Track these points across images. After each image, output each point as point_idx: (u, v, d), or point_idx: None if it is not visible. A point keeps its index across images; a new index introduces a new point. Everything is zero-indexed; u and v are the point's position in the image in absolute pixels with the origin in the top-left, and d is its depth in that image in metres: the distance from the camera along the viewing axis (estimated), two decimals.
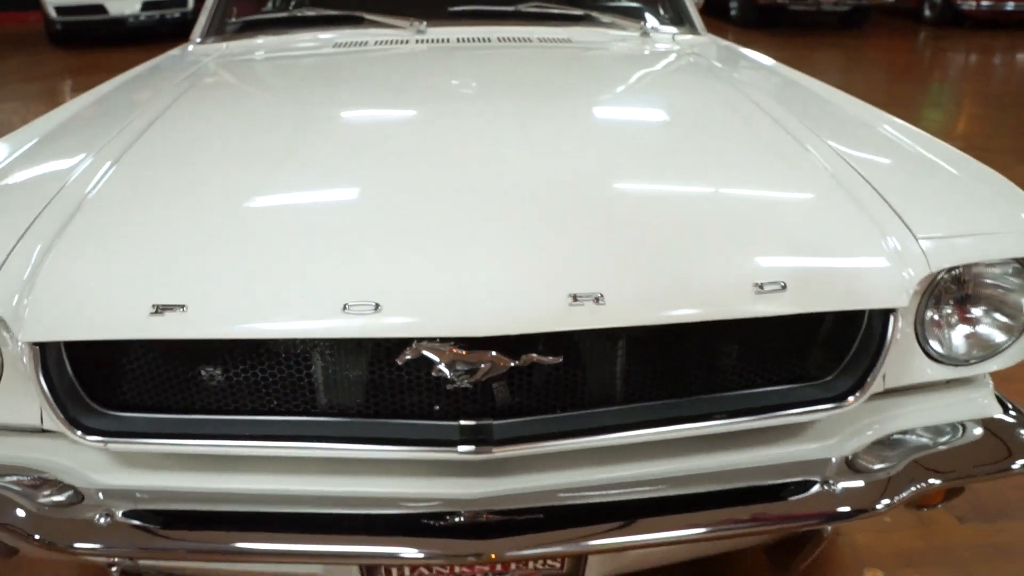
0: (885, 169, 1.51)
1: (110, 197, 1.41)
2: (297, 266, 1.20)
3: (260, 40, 2.62)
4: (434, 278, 1.17)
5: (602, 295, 1.13)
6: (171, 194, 1.42)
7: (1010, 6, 11.20)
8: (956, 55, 10.13)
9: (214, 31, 2.75)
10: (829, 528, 1.32)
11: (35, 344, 1.17)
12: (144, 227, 1.31)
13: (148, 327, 1.13)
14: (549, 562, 1.32)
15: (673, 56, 2.45)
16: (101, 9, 11.02)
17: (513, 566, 1.32)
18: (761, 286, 1.18)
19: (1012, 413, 1.46)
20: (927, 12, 12.14)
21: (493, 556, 1.18)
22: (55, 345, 1.20)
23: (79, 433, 1.23)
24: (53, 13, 11.02)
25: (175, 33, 11.55)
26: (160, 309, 1.13)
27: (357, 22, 2.60)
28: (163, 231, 1.30)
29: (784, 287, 1.18)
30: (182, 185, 1.46)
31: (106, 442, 1.23)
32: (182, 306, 1.13)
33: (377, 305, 1.12)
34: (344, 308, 1.12)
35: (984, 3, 11.20)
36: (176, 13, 11.43)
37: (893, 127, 1.78)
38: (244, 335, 1.13)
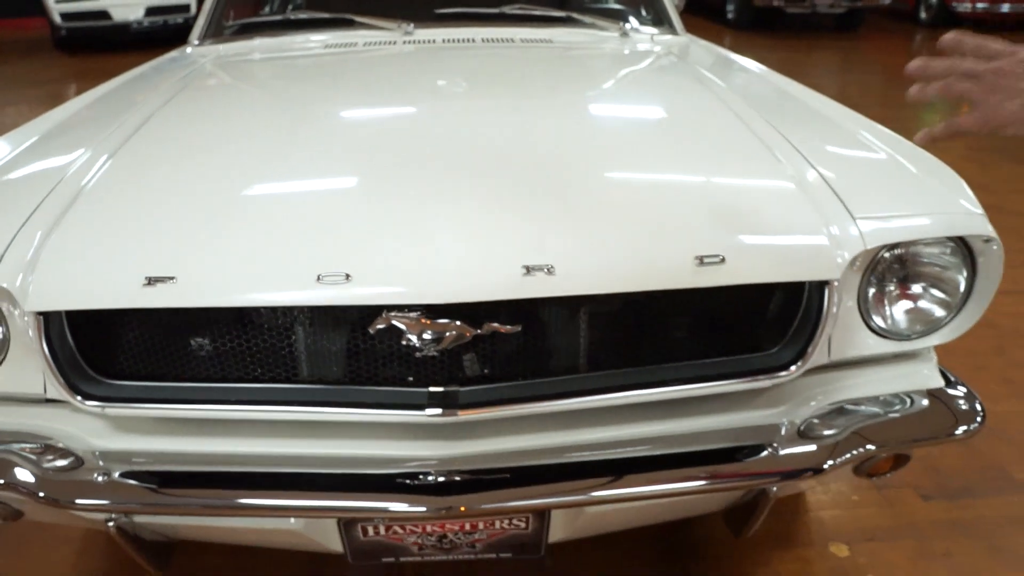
0: (832, 156, 1.61)
1: (106, 186, 1.51)
2: (276, 241, 1.30)
3: (256, 42, 2.73)
4: (400, 251, 1.27)
5: (552, 266, 1.24)
6: (163, 181, 1.53)
7: (1005, 8, 11.26)
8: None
9: (211, 33, 2.87)
10: (775, 489, 1.41)
11: (39, 313, 1.27)
12: (137, 210, 1.42)
13: (140, 297, 1.23)
14: (514, 522, 1.42)
15: (651, 56, 2.55)
16: (105, 15, 11.15)
17: (481, 525, 1.42)
18: (701, 259, 1.28)
19: (954, 384, 1.56)
20: (923, 14, 12.21)
21: (462, 509, 1.28)
22: (57, 316, 1.31)
23: (78, 398, 1.34)
24: (58, 19, 11.16)
25: (178, 38, 11.58)
26: (152, 281, 1.24)
27: (348, 24, 2.72)
28: (155, 213, 1.41)
29: (723, 260, 1.28)
30: (173, 173, 1.57)
31: (103, 407, 1.34)
32: (172, 278, 1.24)
33: (347, 275, 1.22)
34: (318, 279, 1.22)
35: (979, 5, 11.27)
36: (179, 19, 11.55)
37: (850, 120, 1.87)
38: (228, 304, 1.24)
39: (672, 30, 2.88)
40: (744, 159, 1.60)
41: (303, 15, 2.82)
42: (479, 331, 1.28)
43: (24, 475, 1.35)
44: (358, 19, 2.69)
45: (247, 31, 2.85)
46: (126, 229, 1.36)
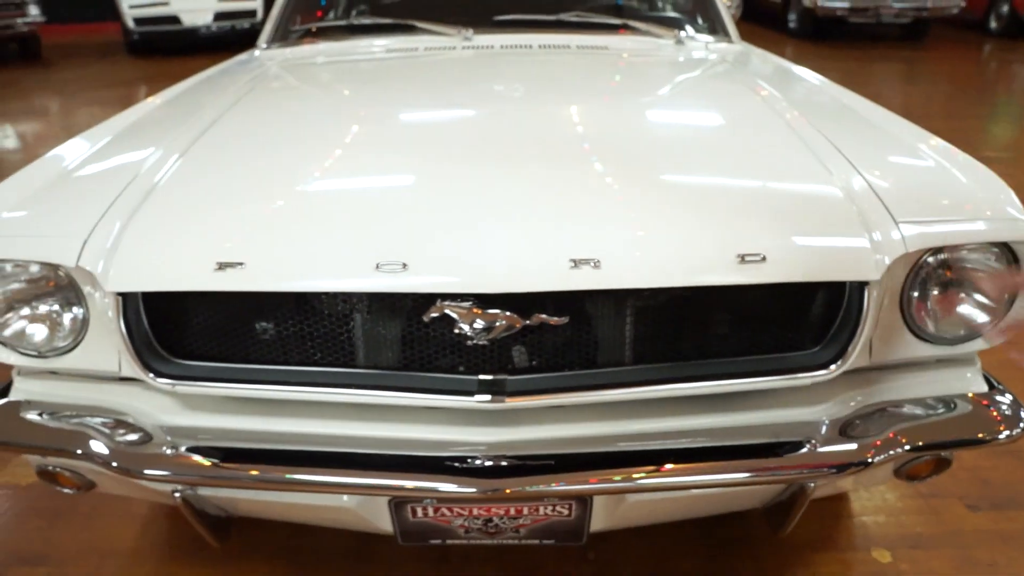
0: (878, 163, 1.63)
1: (180, 179, 1.61)
2: (338, 232, 1.39)
3: (320, 46, 2.84)
4: (454, 243, 1.34)
5: (599, 260, 1.29)
6: (232, 175, 1.63)
7: None
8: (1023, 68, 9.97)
9: (279, 38, 2.99)
10: (813, 485, 1.44)
11: (119, 294, 1.36)
12: (209, 201, 1.52)
13: (212, 280, 1.32)
14: (557, 508, 1.47)
15: (705, 63, 2.59)
16: (176, 20, 11.54)
17: (525, 510, 1.47)
18: (743, 257, 1.32)
19: (999, 390, 1.57)
20: (992, 23, 11.89)
21: (508, 492, 1.34)
22: (134, 298, 1.40)
23: (151, 376, 1.43)
24: (131, 24, 11.56)
25: (245, 43, 11.93)
26: (222, 266, 1.32)
27: (409, 30, 2.81)
28: (225, 204, 1.51)
29: (764, 259, 1.32)
30: (242, 168, 1.67)
31: (174, 385, 1.43)
32: (241, 263, 1.32)
33: (404, 265, 1.29)
34: (376, 267, 1.30)
35: None
36: (246, 24, 11.88)
37: (901, 129, 1.89)
38: (292, 289, 1.32)
39: (727, 38, 2.91)
40: (790, 164, 1.64)
41: (366, 20, 2.91)
42: (528, 322, 1.34)
43: (99, 447, 1.45)
44: (419, 25, 2.78)
45: (312, 35, 2.96)
46: (199, 219, 1.46)
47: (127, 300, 1.39)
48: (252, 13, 11.85)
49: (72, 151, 1.84)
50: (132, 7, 11.47)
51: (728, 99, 2.15)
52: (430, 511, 1.48)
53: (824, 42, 11.21)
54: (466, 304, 1.32)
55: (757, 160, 1.67)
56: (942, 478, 2.28)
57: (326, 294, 1.40)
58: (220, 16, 11.68)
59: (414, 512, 1.48)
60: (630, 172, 1.58)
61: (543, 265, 1.29)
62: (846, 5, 10.90)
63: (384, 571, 2.03)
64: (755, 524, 2.15)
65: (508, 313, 1.32)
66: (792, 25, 11.80)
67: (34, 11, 11.43)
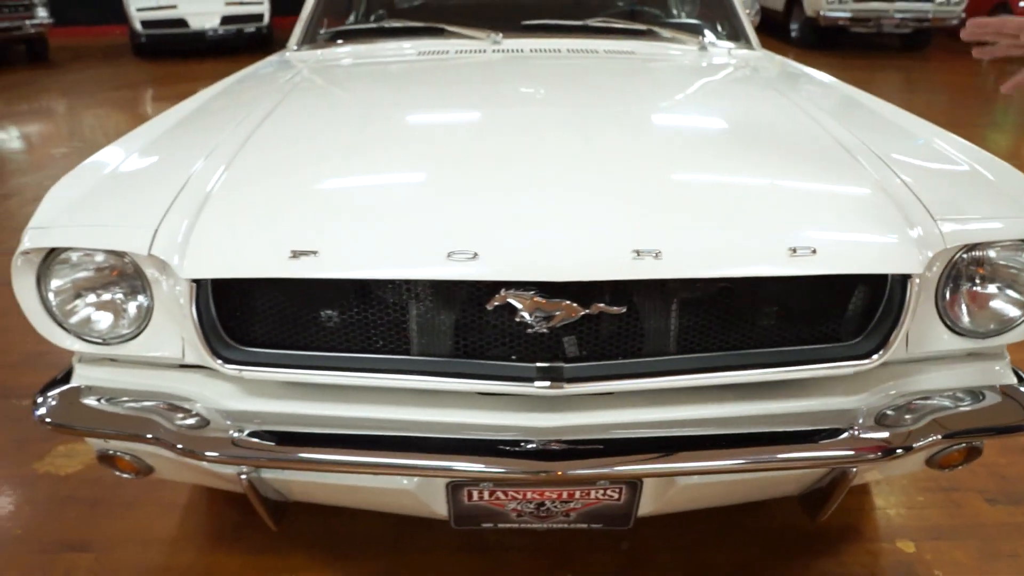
0: (912, 162, 1.70)
1: (242, 172, 1.67)
2: (409, 221, 1.44)
3: (348, 48, 2.91)
4: (521, 233, 1.40)
5: (660, 251, 1.36)
6: (298, 167, 1.69)
7: None
8: None
9: (308, 40, 3.05)
10: (854, 470, 1.50)
11: (193, 281, 1.42)
12: (279, 191, 1.58)
13: (286, 268, 1.38)
14: (608, 492, 1.53)
15: (729, 68, 2.66)
16: (183, 23, 11.60)
17: (577, 494, 1.53)
18: (794, 250, 1.39)
19: None
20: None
21: (560, 474, 1.40)
22: (204, 287, 1.45)
23: (219, 362, 1.48)
24: (139, 27, 11.63)
25: (251, 46, 12.13)
26: (297, 254, 1.38)
27: (438, 33, 2.87)
28: (296, 194, 1.57)
29: (814, 251, 1.39)
30: (306, 159, 1.73)
31: (241, 370, 1.48)
32: (315, 252, 1.38)
33: (475, 254, 1.35)
34: (448, 256, 1.35)
35: None
36: (252, 28, 11.97)
37: (929, 131, 1.96)
38: (365, 276, 1.38)
39: (748, 45, 2.98)
40: (829, 162, 1.71)
41: (396, 24, 2.97)
42: (587, 310, 1.40)
43: (164, 429, 1.50)
44: (449, 28, 2.84)
45: (340, 38, 3.03)
46: (270, 209, 1.51)
47: (199, 286, 1.45)
48: (259, 17, 11.95)
49: (128, 146, 1.89)
50: (140, 10, 11.54)
51: (760, 101, 2.22)
52: (485, 495, 1.53)
53: (826, 51, 11.31)
54: (530, 293, 1.37)
55: (796, 158, 1.74)
56: (960, 473, 2.37)
57: (390, 282, 1.45)
58: (227, 20, 11.76)
59: (470, 495, 1.53)
60: (680, 168, 1.65)
61: (608, 255, 1.36)
62: (848, 15, 11.02)
63: (422, 558, 2.08)
64: (782, 515, 2.20)
65: (568, 302, 1.38)
66: (794, 34, 11.90)
67: (42, 13, 11.48)
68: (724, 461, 1.43)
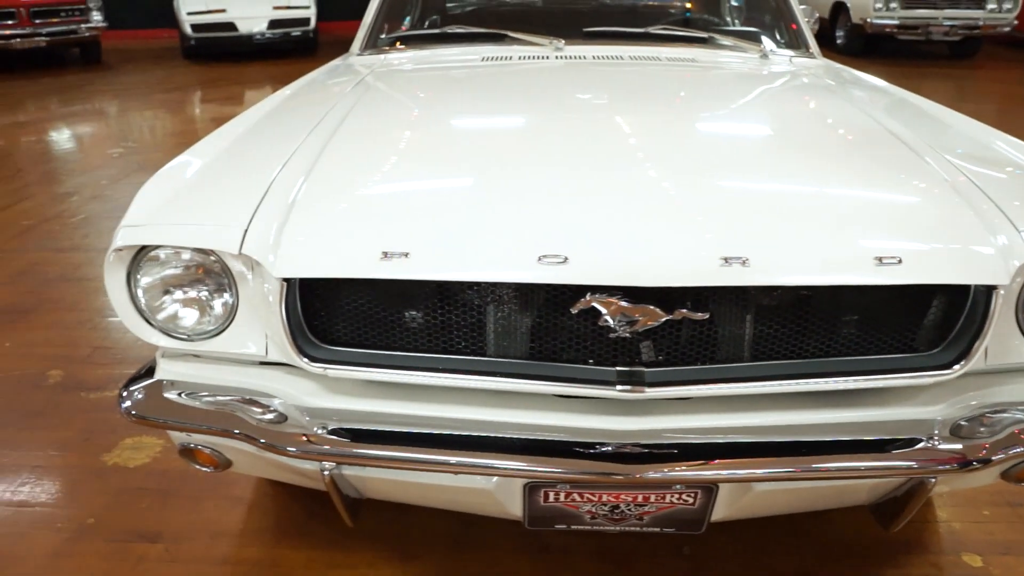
0: (992, 174, 1.70)
1: (329, 175, 1.70)
2: (500, 225, 1.47)
3: (410, 53, 2.96)
4: (611, 238, 1.42)
5: (747, 258, 1.37)
6: (380, 170, 1.73)
7: None
8: None
9: (370, 45, 3.10)
10: (933, 480, 1.50)
11: (284, 280, 1.46)
12: (365, 194, 1.62)
13: (378, 269, 1.41)
14: (683, 496, 1.54)
15: (792, 75, 2.65)
16: (232, 27, 11.80)
17: (652, 498, 1.54)
18: (880, 259, 1.39)
19: None
20: None
21: (637, 478, 1.41)
22: (292, 286, 1.49)
23: (305, 360, 1.52)
24: (189, 30, 11.85)
25: (297, 50, 12.32)
26: (388, 255, 1.41)
27: (499, 39, 2.90)
28: (382, 197, 1.60)
29: (900, 261, 1.39)
30: (388, 163, 1.77)
31: (326, 369, 1.52)
32: (406, 253, 1.41)
33: (566, 258, 1.37)
34: (539, 259, 1.37)
35: None
36: (298, 32, 12.14)
37: (1001, 140, 1.95)
38: (456, 278, 1.40)
39: (809, 53, 2.98)
40: (905, 170, 1.71)
41: (460, 30, 3.01)
42: (670, 316, 1.41)
43: (248, 424, 1.54)
44: (511, 35, 2.87)
45: (404, 43, 3.07)
46: (359, 210, 1.55)
47: (287, 287, 1.48)
48: (305, 21, 12.11)
49: (209, 149, 1.94)
50: (190, 14, 11.76)
51: (828, 108, 2.22)
52: (561, 496, 1.55)
53: (872, 59, 11.18)
54: (615, 297, 1.39)
55: (872, 165, 1.74)
56: None
57: (475, 284, 1.48)
58: (274, 24, 11.94)
59: (546, 496, 1.55)
60: (761, 175, 1.67)
61: (696, 262, 1.37)
62: (896, 22, 10.88)
63: (485, 557, 2.11)
64: (846, 524, 2.20)
65: (652, 307, 1.40)
66: (839, 41, 11.81)
67: (97, 17, 11.74)
68: (801, 468, 1.43)
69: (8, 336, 3.44)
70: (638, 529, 1.62)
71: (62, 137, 7.58)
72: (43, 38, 11.31)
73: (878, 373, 1.49)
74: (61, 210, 5.20)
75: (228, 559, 2.13)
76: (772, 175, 1.68)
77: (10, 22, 11.10)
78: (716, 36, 2.94)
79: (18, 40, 11.21)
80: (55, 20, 11.40)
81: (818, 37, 3.19)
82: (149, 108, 8.88)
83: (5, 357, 3.26)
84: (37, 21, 11.23)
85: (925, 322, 1.54)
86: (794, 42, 3.05)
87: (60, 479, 2.47)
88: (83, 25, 11.60)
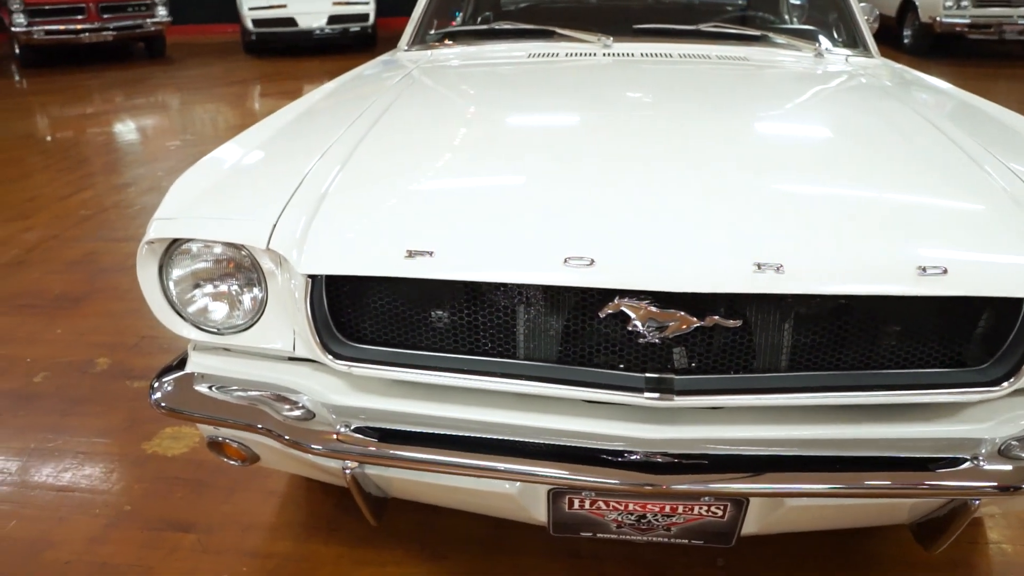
0: None
1: (358, 171, 1.69)
2: (525, 225, 1.43)
3: (457, 49, 2.94)
4: (640, 241, 1.37)
5: (782, 265, 1.31)
6: (413, 167, 1.70)
7: None
8: None
9: (419, 40, 3.09)
10: (977, 502, 1.42)
11: (308, 276, 1.44)
12: (395, 191, 1.59)
13: (402, 267, 1.39)
14: (713, 508, 1.49)
15: (847, 76, 2.57)
16: (292, 22, 11.98)
17: (680, 508, 1.50)
18: (924, 269, 1.32)
19: None
20: None
21: (664, 488, 1.37)
22: (318, 283, 1.48)
23: (329, 357, 1.51)
24: (250, 25, 12.06)
25: (355, 45, 12.44)
26: (412, 254, 1.39)
27: (547, 36, 2.87)
28: (411, 195, 1.58)
29: (945, 271, 1.32)
30: (421, 160, 1.74)
31: (350, 366, 1.50)
32: (430, 252, 1.38)
33: (592, 260, 1.33)
34: (565, 261, 1.34)
35: None
36: (357, 27, 12.27)
37: None
38: (480, 279, 1.37)
39: (867, 52, 2.89)
40: (956, 175, 1.63)
41: (507, 26, 2.98)
42: (702, 322, 1.36)
43: (273, 420, 1.54)
44: (559, 31, 2.84)
45: (451, 38, 3.05)
46: (386, 208, 1.53)
47: (314, 282, 1.47)
48: (364, 17, 12.23)
49: (247, 142, 1.95)
50: (252, 9, 11.97)
51: (881, 111, 2.13)
52: (587, 504, 1.51)
53: (941, 59, 10.86)
54: (644, 302, 1.35)
55: (922, 170, 1.66)
56: None
57: (501, 285, 1.45)
58: (334, 19, 12.09)
59: (571, 503, 1.52)
60: (800, 179, 1.60)
61: (728, 267, 1.32)
62: (967, 21, 10.52)
63: (515, 560, 2.08)
64: (888, 542, 2.12)
65: (682, 313, 1.35)
66: (906, 41, 11.48)
67: (162, 12, 12.03)
68: (836, 485, 1.37)
69: (60, 323, 3.52)
70: (666, 540, 1.57)
71: (124, 129, 7.75)
72: (110, 32, 11.62)
73: (921, 388, 1.42)
74: (118, 200, 5.31)
75: (258, 552, 2.13)
76: (814, 179, 1.61)
77: (80, 17, 11.43)
78: (769, 34, 2.86)
79: (87, 34, 11.54)
80: (122, 15, 11.71)
81: (884, 36, 3.09)
82: (209, 101, 9.04)
83: (56, 344, 3.33)
84: (105, 16, 11.55)
85: (973, 336, 1.46)
86: (851, 41, 2.96)
87: (101, 465, 2.51)
88: (149, 20, 11.91)
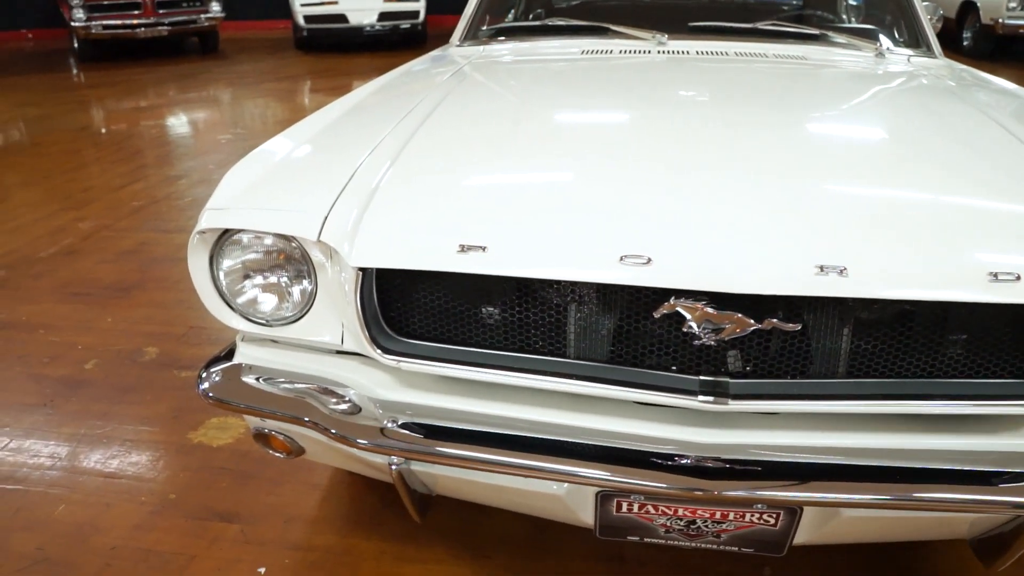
0: None
1: (410, 165, 1.67)
2: (580, 221, 1.40)
3: (509, 45, 2.92)
4: (697, 241, 1.33)
5: (846, 268, 1.26)
6: (465, 162, 1.68)
7: None
8: None
9: (471, 36, 3.07)
10: None
11: (359, 269, 1.43)
12: (447, 186, 1.57)
13: (454, 262, 1.36)
14: (765, 516, 1.45)
15: (911, 76, 2.49)
16: (343, 19, 12.10)
17: (731, 515, 1.46)
18: (995, 275, 1.26)
19: None
20: None
21: (715, 494, 1.33)
22: (368, 276, 1.46)
23: (378, 352, 1.49)
24: (302, 21, 12.19)
25: (405, 42, 12.51)
26: (465, 248, 1.37)
27: (601, 33, 2.83)
28: (463, 190, 1.56)
29: (1018, 278, 1.26)
30: (473, 155, 1.72)
31: (399, 361, 1.49)
32: (483, 247, 1.36)
33: (649, 259, 1.30)
34: (620, 259, 1.31)
35: None
36: (407, 24, 12.33)
37: None
38: (533, 275, 1.35)
39: (930, 53, 2.81)
40: None
41: (560, 22, 2.95)
42: (759, 325, 1.32)
43: (320, 414, 1.53)
44: (613, 28, 2.80)
45: (503, 34, 3.03)
46: (438, 202, 1.51)
47: (364, 275, 1.46)
48: (415, 14, 12.30)
49: (299, 135, 1.94)
50: (303, 5, 12.10)
51: (945, 112, 2.06)
52: (635, 507, 1.48)
53: (1002, 62, 10.58)
54: (700, 303, 1.31)
55: (992, 174, 1.59)
56: None
57: (554, 282, 1.42)
58: (384, 16, 12.17)
59: (619, 506, 1.49)
60: (864, 180, 1.54)
61: (788, 269, 1.27)
62: None
63: (559, 562, 2.05)
64: (946, 557, 2.05)
65: (740, 315, 1.31)
66: (966, 43, 11.21)
67: (216, 7, 12.22)
68: (895, 496, 1.32)
69: (111, 312, 3.57)
70: (715, 547, 1.53)
71: (177, 122, 7.87)
72: (165, 27, 11.84)
73: (987, 399, 1.36)
74: (170, 192, 5.39)
75: (300, 544, 2.13)
76: (878, 180, 1.55)
77: (136, 12, 11.65)
78: (828, 33, 2.79)
79: (143, 29, 11.76)
80: (177, 10, 11.92)
81: (942, 39, 3.00)
82: (260, 96, 9.15)
83: (106, 332, 3.38)
84: (160, 11, 11.77)
85: None
86: (913, 41, 2.88)
87: (148, 454, 2.53)
88: (203, 15, 12.11)
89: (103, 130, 7.57)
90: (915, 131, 1.89)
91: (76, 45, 12.12)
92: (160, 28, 11.82)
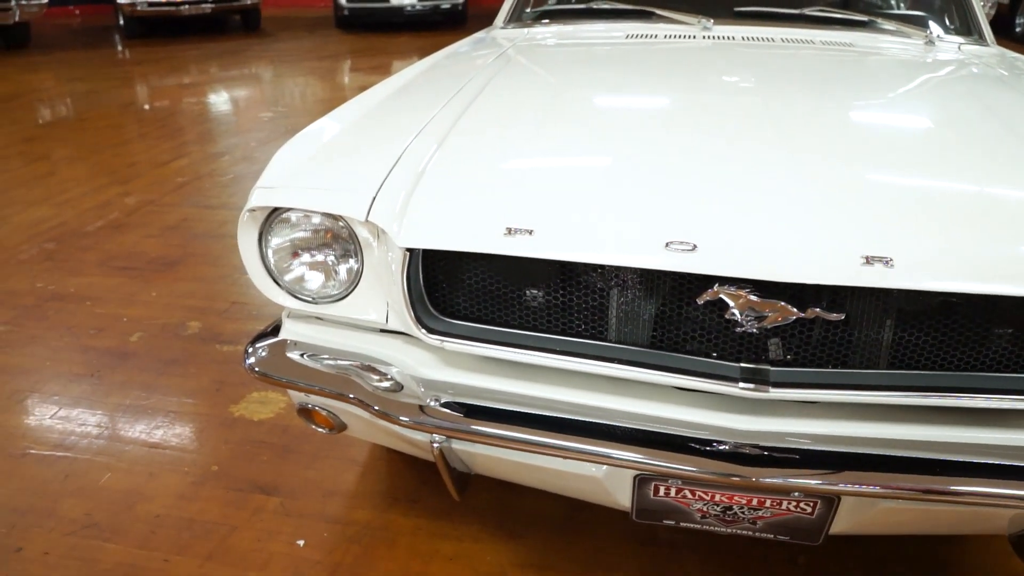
0: None
1: (458, 148, 1.69)
2: (627, 207, 1.41)
3: (554, 28, 2.92)
4: (743, 228, 1.34)
5: (892, 259, 1.26)
6: (511, 146, 1.69)
7: None
8: None
9: (515, 18, 3.08)
10: None
11: (407, 250, 1.45)
12: (493, 169, 1.59)
13: (501, 244, 1.38)
14: (802, 505, 1.45)
15: (962, 65, 2.46)
16: None
17: (768, 503, 1.47)
18: None
19: None
20: None
21: (753, 481, 1.34)
22: (415, 257, 1.49)
23: (423, 331, 1.52)
24: (343, 0, 12.21)
25: (445, 22, 12.52)
26: (512, 231, 1.38)
27: (646, 17, 2.83)
28: (510, 173, 1.57)
29: None
30: (519, 139, 1.73)
31: (443, 341, 1.51)
32: (530, 231, 1.38)
33: (694, 246, 1.31)
34: (666, 246, 1.31)
35: None
36: (447, 5, 12.32)
37: None
38: (580, 259, 1.36)
39: (982, 41, 2.76)
40: None
41: (605, 5, 2.94)
42: (802, 314, 1.32)
43: (364, 390, 1.56)
44: (658, 12, 2.79)
45: (547, 17, 3.03)
46: (485, 185, 1.53)
47: (411, 255, 1.48)
48: None
49: (346, 115, 1.97)
50: None
51: (999, 103, 2.02)
52: (672, 491, 1.49)
53: None
54: (744, 290, 1.32)
55: None
56: None
57: (598, 267, 1.43)
58: None
59: (656, 490, 1.50)
60: (911, 171, 1.53)
61: (834, 258, 1.27)
62: None
63: (590, 542, 2.07)
64: (981, 552, 2.04)
65: (783, 304, 1.32)
66: (1019, 29, 10.95)
67: None
68: (935, 489, 1.32)
69: (156, 286, 3.64)
70: (750, 534, 1.54)
71: (219, 99, 7.95)
72: (209, 5, 11.95)
73: None
74: (212, 169, 5.46)
75: (339, 519, 2.18)
76: (927, 171, 1.54)
77: None
78: (877, 20, 2.76)
79: (187, 7, 11.88)
80: None
81: (993, 25, 2.94)
82: (300, 75, 9.21)
83: (151, 305, 3.45)
84: None
85: None
86: (964, 28, 2.83)
87: (190, 426, 2.59)
88: None
89: (147, 106, 7.67)
90: (964, 121, 1.87)
91: (122, 22, 12.28)
92: (203, 6, 11.94)
